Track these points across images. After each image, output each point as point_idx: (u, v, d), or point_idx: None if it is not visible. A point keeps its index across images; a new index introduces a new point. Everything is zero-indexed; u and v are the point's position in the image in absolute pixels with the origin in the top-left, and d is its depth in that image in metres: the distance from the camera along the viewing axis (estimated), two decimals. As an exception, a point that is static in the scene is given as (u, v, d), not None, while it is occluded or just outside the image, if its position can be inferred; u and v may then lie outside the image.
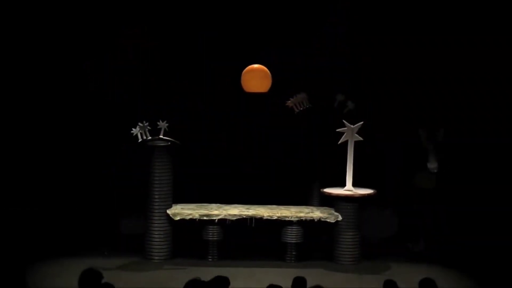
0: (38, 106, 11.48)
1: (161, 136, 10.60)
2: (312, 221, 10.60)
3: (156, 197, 10.62)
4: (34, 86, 11.44)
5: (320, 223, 10.56)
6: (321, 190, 11.01)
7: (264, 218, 10.57)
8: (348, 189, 10.73)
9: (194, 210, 10.73)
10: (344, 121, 10.65)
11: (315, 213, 10.77)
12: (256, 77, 10.00)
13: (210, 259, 10.66)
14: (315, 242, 10.87)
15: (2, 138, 11.21)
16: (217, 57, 11.48)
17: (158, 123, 10.61)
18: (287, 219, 10.59)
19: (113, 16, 11.41)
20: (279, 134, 11.68)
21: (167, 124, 10.61)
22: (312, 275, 9.03)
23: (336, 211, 10.65)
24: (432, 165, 10.98)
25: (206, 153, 11.65)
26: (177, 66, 11.69)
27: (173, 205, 10.77)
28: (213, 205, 11.04)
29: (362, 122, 10.58)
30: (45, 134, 11.54)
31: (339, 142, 10.64)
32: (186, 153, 10.83)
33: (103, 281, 6.19)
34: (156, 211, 10.61)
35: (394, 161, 11.52)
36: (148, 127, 10.56)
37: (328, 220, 10.57)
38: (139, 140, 10.55)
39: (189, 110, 11.61)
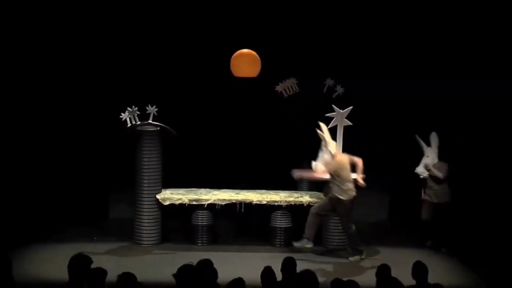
0: (28, 93, 11.41)
1: (150, 121, 10.57)
2: (301, 205, 10.62)
3: (145, 182, 10.60)
4: (22, 73, 11.35)
5: (309, 207, 10.57)
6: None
7: (254, 203, 10.59)
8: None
9: (184, 195, 10.73)
10: (333, 106, 10.64)
11: (304, 197, 10.79)
12: (246, 61, 9.98)
13: (199, 244, 10.67)
14: (304, 227, 10.87)
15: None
16: (208, 42, 11.42)
17: (147, 107, 10.57)
18: (276, 203, 10.61)
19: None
20: (268, 119, 11.65)
21: (156, 109, 10.58)
22: (301, 259, 9.05)
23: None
24: (420, 170, 10.77)
25: (195, 138, 11.59)
26: (168, 52, 11.63)
27: (162, 190, 10.76)
28: (203, 190, 11.04)
29: (351, 107, 10.58)
30: (33, 120, 11.46)
31: (329, 127, 10.62)
32: (176, 138, 10.77)
33: (93, 266, 6.19)
34: (145, 196, 10.60)
35: (386, 147, 11.52)
36: (137, 112, 10.52)
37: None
38: (128, 125, 10.52)
39: (179, 96, 11.55)
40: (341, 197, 9.87)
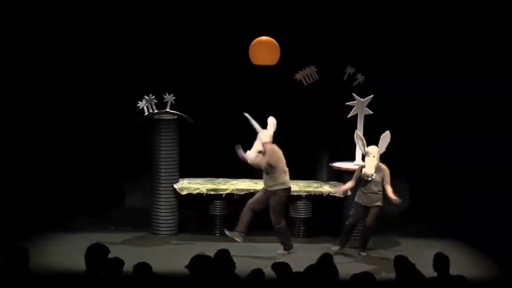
0: (44, 81, 11.36)
1: (167, 109, 10.49)
2: (321, 195, 10.51)
3: (163, 171, 10.52)
4: (40, 61, 11.30)
5: (329, 197, 10.46)
6: (330, 164, 10.91)
7: (272, 192, 10.46)
8: (358, 163, 10.61)
9: (201, 184, 10.65)
10: (354, 94, 10.52)
11: (324, 187, 10.68)
12: (264, 49, 9.87)
13: (217, 234, 10.59)
14: (324, 217, 10.77)
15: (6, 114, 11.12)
16: (226, 30, 11.33)
17: (165, 96, 10.49)
18: (295, 193, 10.48)
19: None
20: (287, 108, 11.53)
21: (173, 98, 10.49)
22: (320, 250, 8.92)
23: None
24: (370, 171, 9.59)
25: (212, 126, 11.49)
26: (186, 40, 11.54)
27: (179, 179, 10.68)
28: (220, 180, 10.96)
29: (372, 96, 10.45)
30: (50, 109, 11.43)
31: (349, 116, 10.51)
32: (193, 127, 10.69)
33: (110, 255, 6.14)
34: (163, 185, 10.52)
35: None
36: (155, 100, 10.44)
37: (337, 195, 10.47)
38: (146, 114, 10.44)
39: (197, 84, 11.46)
40: (276, 188, 9.59)
